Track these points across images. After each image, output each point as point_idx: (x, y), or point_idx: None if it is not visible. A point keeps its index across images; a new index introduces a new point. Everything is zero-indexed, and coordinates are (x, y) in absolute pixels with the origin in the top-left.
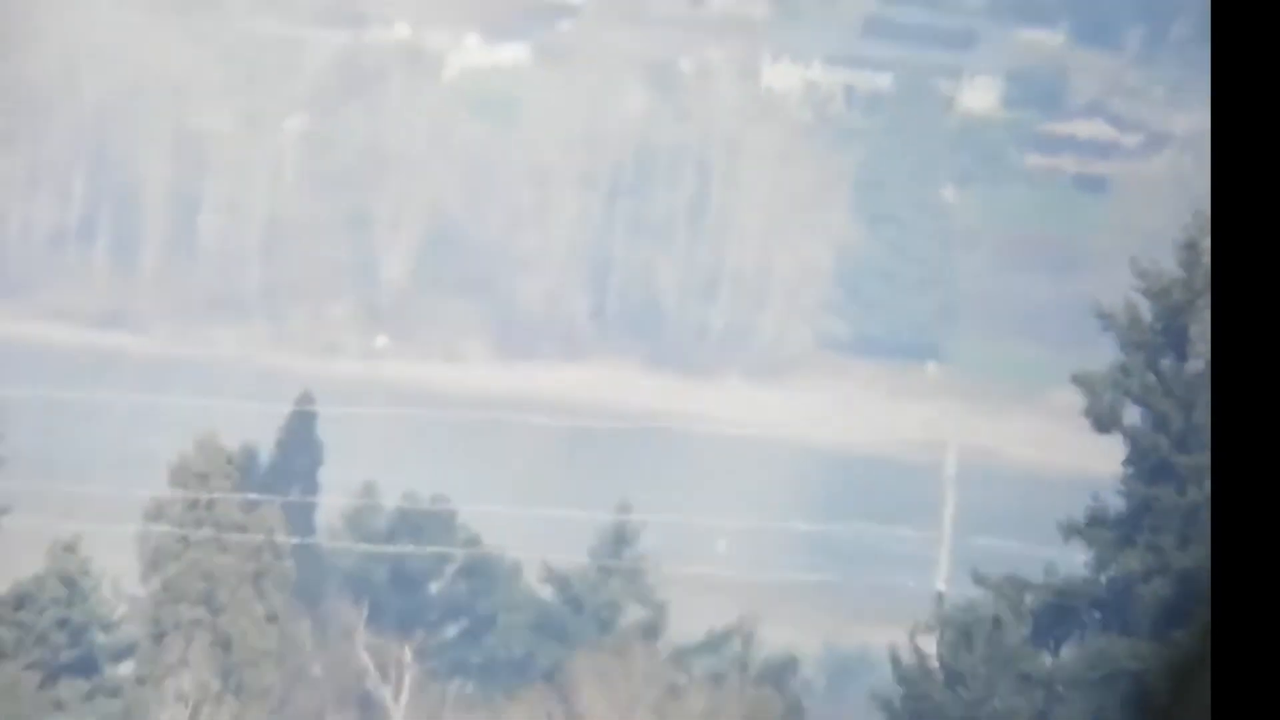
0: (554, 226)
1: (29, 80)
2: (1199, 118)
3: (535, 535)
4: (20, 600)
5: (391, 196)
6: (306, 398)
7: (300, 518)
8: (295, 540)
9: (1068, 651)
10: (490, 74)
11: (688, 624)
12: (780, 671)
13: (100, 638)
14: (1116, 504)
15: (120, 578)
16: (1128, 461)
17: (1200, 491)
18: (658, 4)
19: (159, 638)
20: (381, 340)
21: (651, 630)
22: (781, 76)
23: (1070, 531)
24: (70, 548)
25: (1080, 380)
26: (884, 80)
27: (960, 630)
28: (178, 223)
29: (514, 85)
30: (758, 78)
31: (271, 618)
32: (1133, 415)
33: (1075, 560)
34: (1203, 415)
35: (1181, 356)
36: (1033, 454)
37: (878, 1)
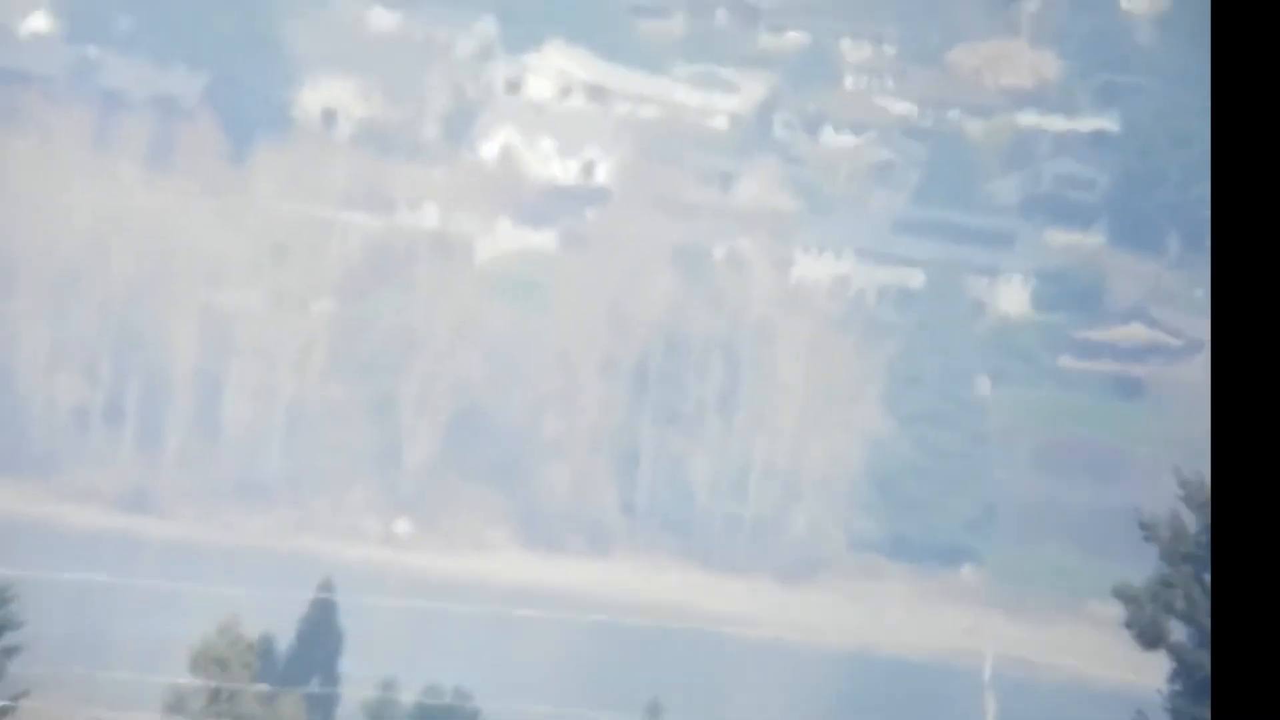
0: (581, 414)
1: (57, 257)
2: None
3: None
4: None
5: (417, 381)
6: (327, 585)
7: (321, 710)
8: None
9: None
10: (519, 259)
11: None
12: None
13: None
14: None
15: None
16: (1173, 678)
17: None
18: (687, 192)
19: None
20: (403, 525)
21: None
22: (812, 269)
23: None
24: None
25: (1121, 593)
26: (916, 277)
27: None
28: (202, 404)
29: (542, 270)
30: (788, 268)
31: None
32: (1178, 630)
33: None
34: None
35: None
36: (1073, 665)
37: (909, 199)
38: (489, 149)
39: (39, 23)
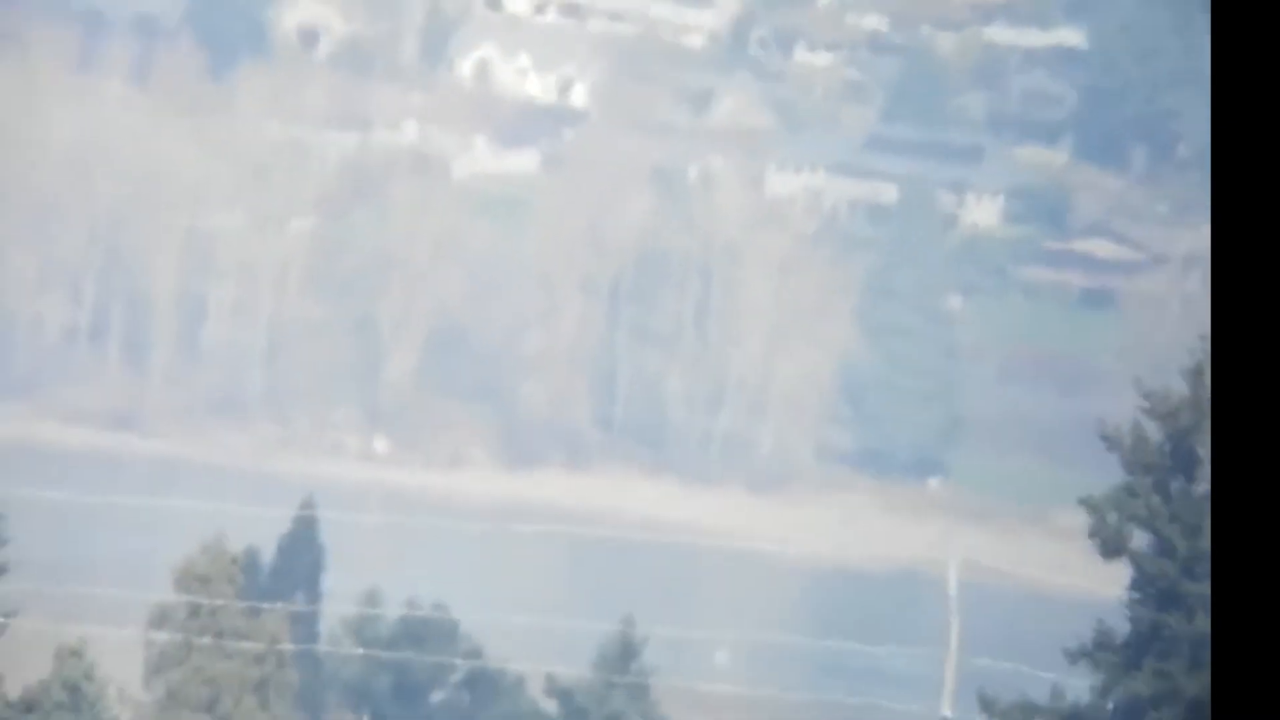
0: (558, 332)
1: (39, 181)
2: (1201, 236)
3: (538, 646)
4: (28, 705)
5: (396, 299)
6: (309, 502)
7: (303, 625)
8: (298, 648)
9: None
10: (496, 178)
11: None
12: None
13: None
14: (1123, 628)
15: (125, 683)
16: (1134, 586)
17: (1208, 619)
18: (663, 112)
19: None
20: (381, 443)
21: None
22: (785, 185)
23: (1077, 655)
24: (76, 652)
25: (1085, 503)
26: (888, 192)
27: None
28: (185, 324)
29: (520, 190)
30: (761, 186)
31: None
32: (1139, 539)
33: (1081, 685)
34: (1209, 541)
35: (1190, 480)
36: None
37: (881, 115)
38: (466, 66)
39: None
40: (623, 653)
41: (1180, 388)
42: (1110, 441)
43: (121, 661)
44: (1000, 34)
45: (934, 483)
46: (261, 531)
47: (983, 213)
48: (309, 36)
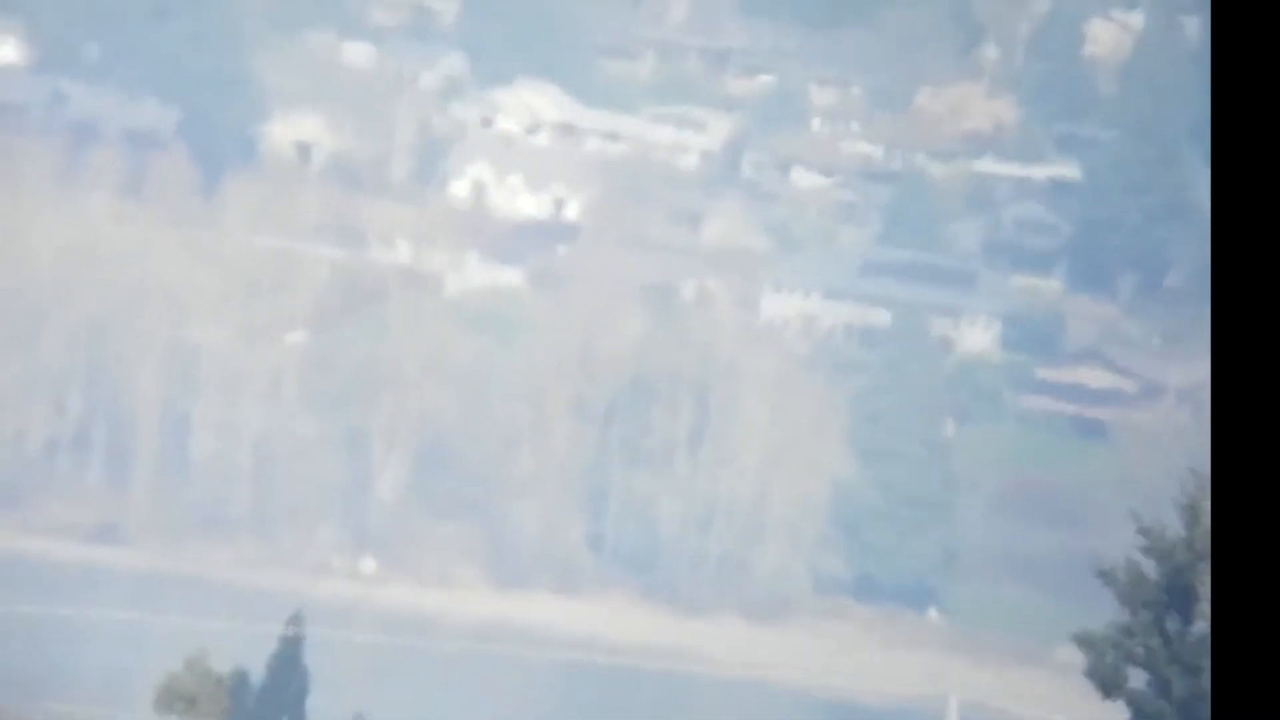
0: (549, 451)
1: (23, 289)
2: (1194, 369)
3: None
4: None
5: (386, 416)
6: (296, 619)
7: None
8: None
9: None
10: (488, 295)
11: None
12: None
13: None
14: None
15: None
16: None
17: None
18: (656, 230)
19: None
20: (369, 563)
21: None
22: (779, 306)
23: None
24: None
25: (1081, 641)
26: (882, 316)
27: None
28: (171, 438)
29: (511, 307)
30: (755, 307)
31: None
32: (1137, 678)
33: None
34: (1209, 681)
35: (1187, 619)
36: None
37: (875, 240)
38: (459, 185)
39: (9, 52)
40: None
41: (1175, 524)
42: (1106, 578)
43: None
44: (988, 165)
45: (932, 614)
46: (246, 649)
47: (977, 339)
48: (301, 151)
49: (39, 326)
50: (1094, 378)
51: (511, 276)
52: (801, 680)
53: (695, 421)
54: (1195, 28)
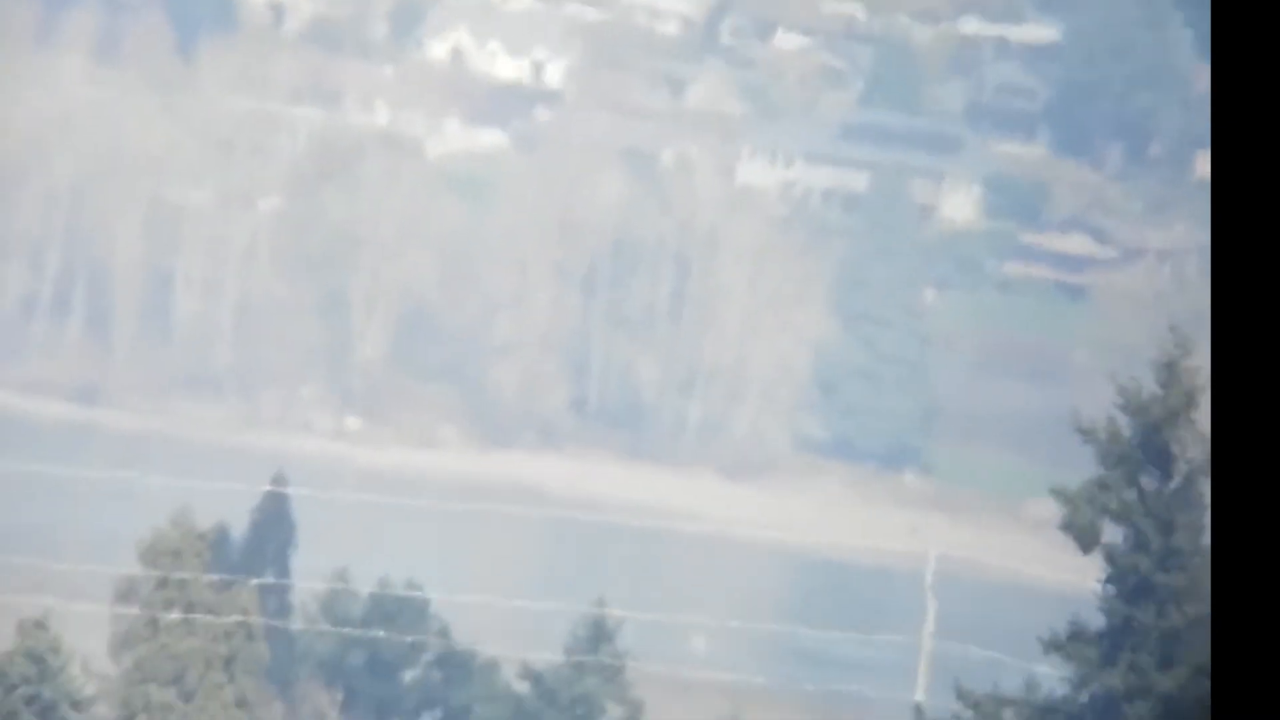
0: (531, 314)
1: (3, 150)
2: (1175, 233)
3: (509, 627)
4: None
5: (366, 278)
6: (281, 478)
7: (274, 600)
8: (268, 623)
9: None
10: (468, 158)
11: None
12: None
13: (71, 716)
14: (1097, 620)
15: (91, 656)
16: (1108, 580)
17: (1181, 613)
18: (636, 97)
19: (130, 717)
20: (352, 422)
21: None
22: (759, 171)
23: (1051, 646)
24: (40, 624)
25: (1058, 495)
26: (862, 181)
27: None
28: (151, 299)
29: (492, 170)
30: (735, 172)
31: (241, 702)
32: (1112, 532)
33: (1056, 676)
34: (1183, 536)
35: (1163, 475)
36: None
37: (856, 103)
38: (438, 48)
39: None
40: (595, 635)
41: (1151, 384)
42: (1086, 435)
43: (87, 635)
44: (974, 26)
45: (909, 473)
46: (231, 508)
47: (959, 204)
48: (277, 12)
49: (17, 188)
50: (1077, 244)
51: (491, 140)
52: (781, 537)
53: (676, 285)
54: None
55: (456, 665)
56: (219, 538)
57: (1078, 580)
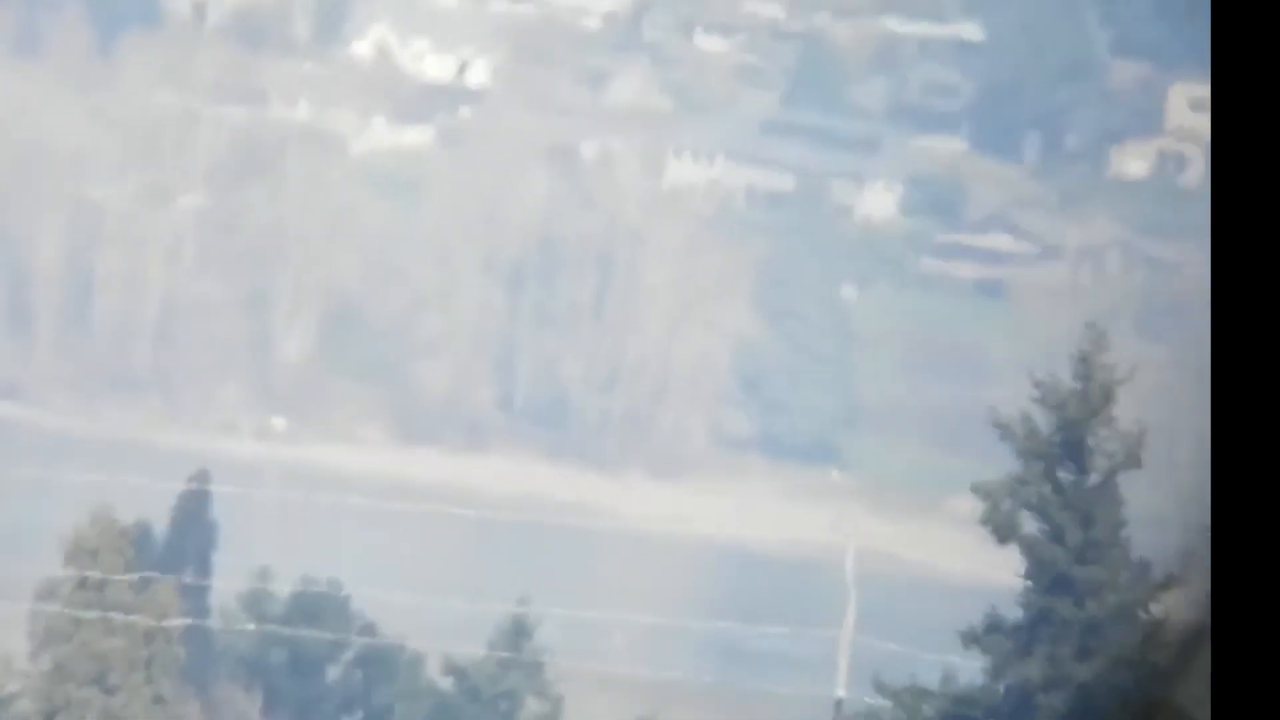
0: (456, 312)
1: None
2: (1092, 229)
3: (433, 624)
4: None
5: (290, 277)
6: (201, 476)
7: (194, 599)
8: (189, 623)
9: None
10: (393, 155)
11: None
12: None
13: None
14: (1015, 614)
15: (11, 656)
16: (1026, 573)
17: (1099, 605)
18: (562, 91)
19: (51, 715)
20: (278, 421)
21: None
22: (683, 169)
23: (969, 639)
24: None
25: (978, 490)
26: (785, 180)
27: None
28: (72, 296)
29: (417, 168)
30: (659, 169)
31: (159, 700)
32: (1031, 526)
33: (973, 667)
34: (1101, 529)
35: (1080, 469)
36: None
37: (779, 102)
38: (362, 45)
39: None
40: (517, 632)
41: (1068, 379)
42: (1003, 430)
43: (8, 634)
44: (895, 24)
45: (832, 469)
46: (152, 507)
47: (879, 203)
48: (199, 8)
49: None
50: (996, 242)
51: (416, 137)
52: (706, 533)
53: (601, 282)
54: None
55: (379, 663)
56: (140, 535)
57: (997, 575)
